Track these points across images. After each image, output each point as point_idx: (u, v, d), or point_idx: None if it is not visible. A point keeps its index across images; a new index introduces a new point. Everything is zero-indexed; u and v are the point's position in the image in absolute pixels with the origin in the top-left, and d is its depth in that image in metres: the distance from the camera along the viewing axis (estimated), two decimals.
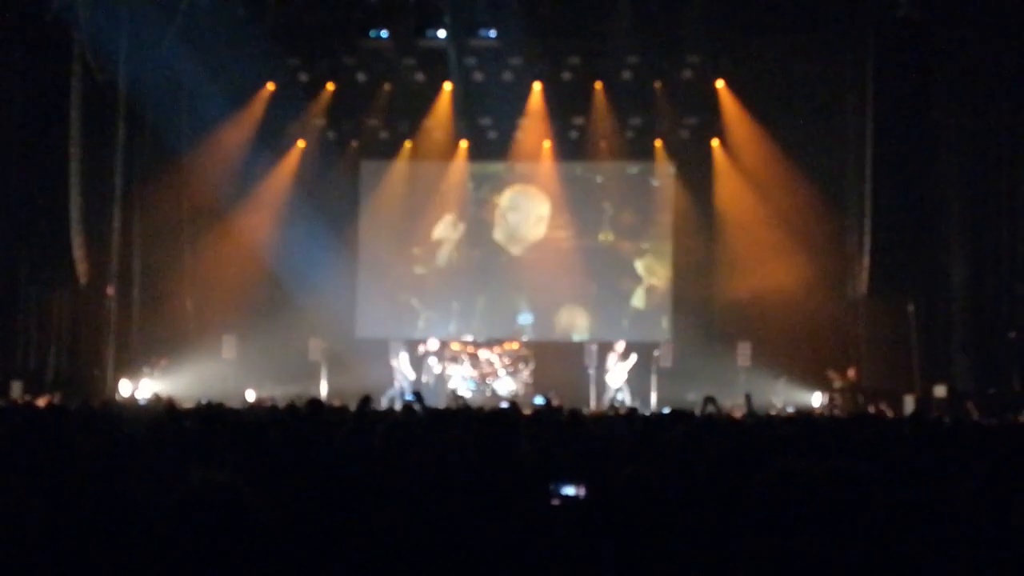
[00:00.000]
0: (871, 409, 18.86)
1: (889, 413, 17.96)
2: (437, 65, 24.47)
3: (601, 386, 23.32)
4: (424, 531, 4.63)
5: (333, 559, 4.56)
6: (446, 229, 26.27)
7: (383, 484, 5.50)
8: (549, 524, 5.04)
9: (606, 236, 25.72)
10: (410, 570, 4.50)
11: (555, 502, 5.59)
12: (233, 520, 3.56)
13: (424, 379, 23.35)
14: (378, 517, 4.87)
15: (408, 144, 25.84)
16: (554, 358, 24.43)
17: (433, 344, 23.78)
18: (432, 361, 23.68)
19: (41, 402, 17.85)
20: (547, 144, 25.43)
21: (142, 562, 4.05)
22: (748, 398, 14.01)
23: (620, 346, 23.20)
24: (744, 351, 23.04)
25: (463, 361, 24.17)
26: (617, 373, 22.98)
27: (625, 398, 22.54)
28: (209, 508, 3.55)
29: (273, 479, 5.70)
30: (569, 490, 5.59)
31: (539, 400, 17.68)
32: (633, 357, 22.97)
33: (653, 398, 22.85)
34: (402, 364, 23.64)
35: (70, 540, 4.33)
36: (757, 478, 4.15)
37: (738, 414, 15.54)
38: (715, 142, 24.90)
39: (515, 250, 26.18)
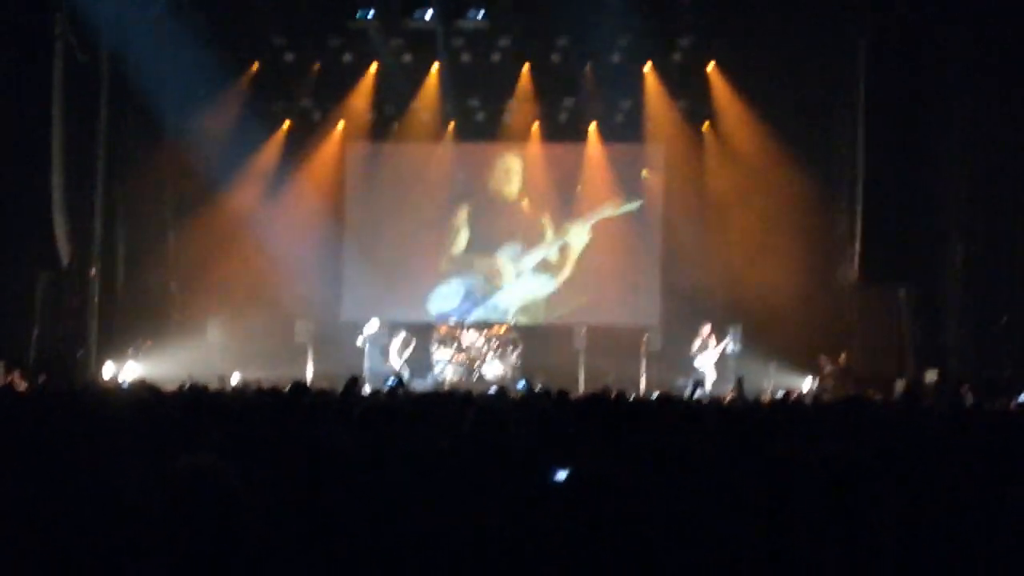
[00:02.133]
0: (862, 394, 18.76)
1: (877, 397, 17.85)
2: (425, 46, 24.33)
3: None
4: (411, 516, 4.55)
5: (320, 543, 4.50)
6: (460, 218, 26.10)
7: (369, 467, 5.42)
8: (540, 509, 4.93)
9: (596, 219, 25.53)
10: (399, 555, 4.43)
11: (547, 487, 5.48)
12: (220, 503, 3.51)
13: (367, 364, 22.98)
14: (364, 501, 4.80)
15: (395, 125, 25.67)
16: (543, 341, 24.34)
17: (372, 326, 23.46)
18: (370, 344, 23.26)
19: (23, 385, 17.69)
20: (536, 126, 25.28)
21: (126, 546, 3.99)
22: (739, 382, 13.99)
23: (706, 330, 22.62)
24: (734, 336, 22.94)
25: (451, 344, 24.04)
26: (705, 358, 22.46)
27: (706, 386, 21.05)
28: (195, 491, 3.50)
29: (257, 462, 5.61)
30: (561, 475, 5.48)
31: (521, 384, 17.56)
32: (727, 341, 22.44)
33: (642, 383, 22.77)
34: (391, 347, 23.49)
35: (51, 523, 4.28)
36: (750, 465, 4.11)
37: (727, 397, 15.51)
38: (706, 125, 24.79)
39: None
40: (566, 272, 25.63)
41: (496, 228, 25.95)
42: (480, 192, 26.04)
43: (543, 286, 25.68)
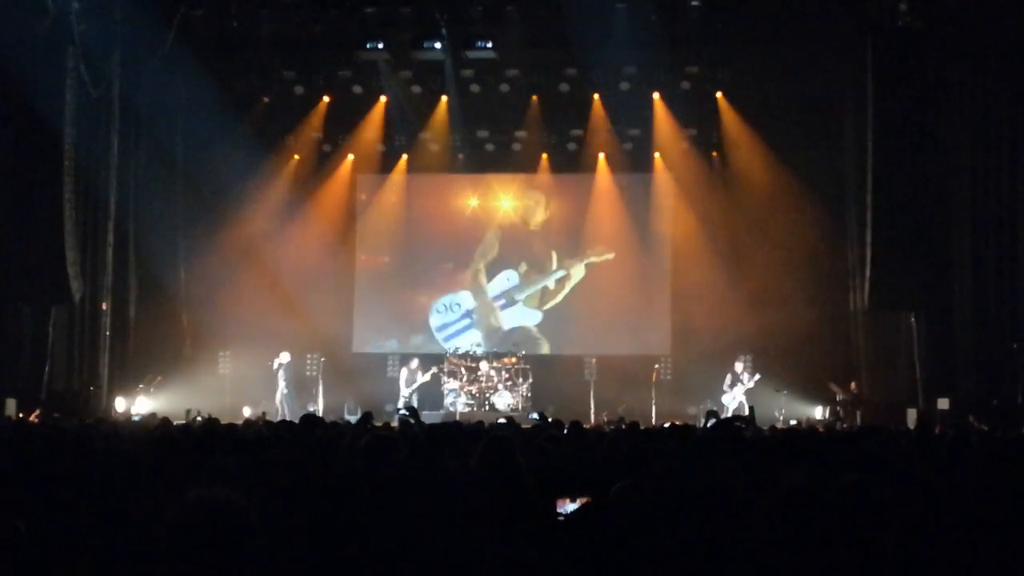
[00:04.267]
0: (875, 423, 18.66)
1: (889, 426, 17.77)
2: (433, 77, 24.41)
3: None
4: (423, 545, 4.53)
5: (331, 574, 4.49)
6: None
7: (380, 498, 5.41)
8: (551, 540, 4.92)
9: (605, 249, 25.53)
10: None
11: (558, 518, 5.47)
12: (233, 537, 3.49)
13: (279, 394, 22.90)
14: (376, 531, 4.79)
15: (405, 157, 25.72)
16: (553, 372, 24.29)
17: (284, 358, 23.31)
18: (283, 375, 23.17)
19: (35, 419, 17.68)
20: (545, 156, 25.32)
21: None
22: (751, 411, 13.91)
23: (739, 365, 22.44)
24: (746, 365, 22.81)
25: (461, 375, 23.98)
26: (735, 395, 22.19)
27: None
28: (208, 525, 3.48)
29: (270, 494, 5.62)
30: (571, 506, 5.46)
31: (534, 416, 17.53)
32: (756, 376, 22.21)
33: (653, 412, 22.66)
34: (401, 377, 23.45)
35: (65, 558, 4.26)
36: (769, 495, 4.08)
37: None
38: (715, 154, 24.78)
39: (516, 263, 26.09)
40: (555, 302, 25.83)
41: (510, 254, 26.13)
42: (504, 218, 26.16)
43: (530, 317, 25.87)
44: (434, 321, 25.94)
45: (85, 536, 4.62)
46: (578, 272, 25.81)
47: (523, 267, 26.01)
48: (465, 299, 26.14)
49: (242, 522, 3.53)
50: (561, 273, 25.81)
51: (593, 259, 25.71)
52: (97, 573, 4.31)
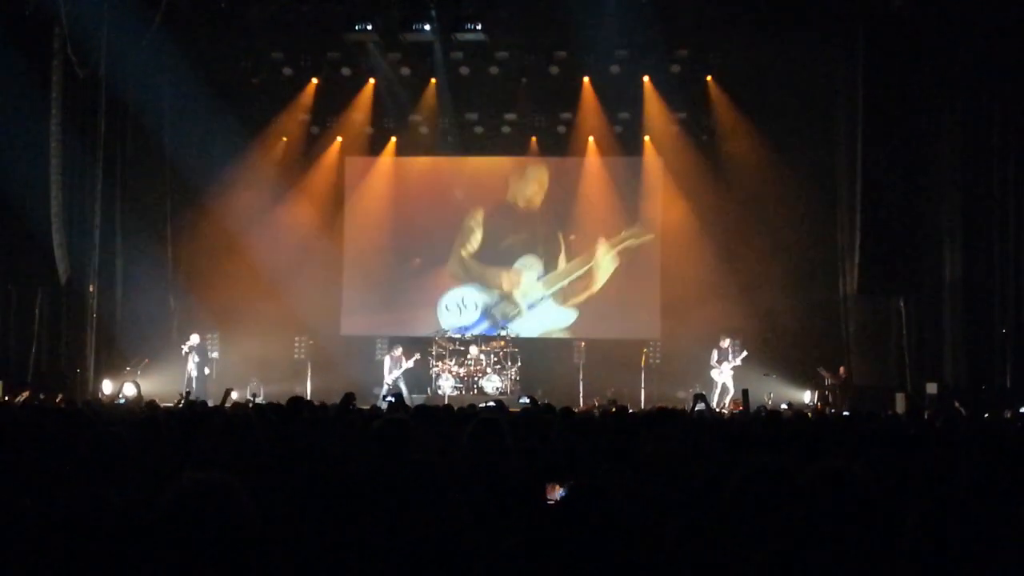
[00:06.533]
0: (864, 407, 18.72)
1: (877, 410, 17.80)
2: (423, 60, 24.32)
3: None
4: (413, 528, 4.51)
5: (318, 556, 4.47)
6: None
7: (369, 480, 5.39)
8: (540, 525, 4.89)
9: (594, 233, 25.50)
10: (400, 565, 4.40)
11: (548, 503, 5.45)
12: (229, 520, 3.49)
13: (191, 375, 22.49)
14: (363, 514, 4.77)
15: (393, 140, 25.64)
16: (542, 355, 24.29)
17: (194, 340, 22.93)
18: (195, 357, 22.79)
19: (22, 401, 17.62)
20: (534, 139, 25.25)
21: (128, 565, 3.90)
22: (745, 394, 13.93)
23: (725, 342, 22.57)
24: (734, 348, 22.86)
25: (449, 358, 23.97)
26: (723, 371, 22.34)
27: (711, 400, 20.41)
28: (204, 508, 3.47)
29: (256, 477, 5.59)
30: (561, 492, 5.44)
31: (523, 400, 17.56)
32: (744, 354, 22.34)
33: (642, 396, 22.70)
34: (385, 361, 23.41)
35: (50, 542, 4.21)
36: (739, 475, 4.07)
37: (730, 410, 15.44)
38: (704, 138, 24.74)
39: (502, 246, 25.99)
40: (584, 297, 25.57)
41: (512, 238, 25.88)
42: (496, 199, 25.98)
43: (564, 318, 25.52)
44: (446, 322, 25.56)
45: (71, 519, 4.57)
46: (607, 260, 25.51)
47: (540, 250, 25.77)
48: (471, 294, 25.88)
49: (237, 505, 3.52)
50: (586, 267, 25.54)
51: (631, 242, 25.43)
52: (89, 556, 4.25)
